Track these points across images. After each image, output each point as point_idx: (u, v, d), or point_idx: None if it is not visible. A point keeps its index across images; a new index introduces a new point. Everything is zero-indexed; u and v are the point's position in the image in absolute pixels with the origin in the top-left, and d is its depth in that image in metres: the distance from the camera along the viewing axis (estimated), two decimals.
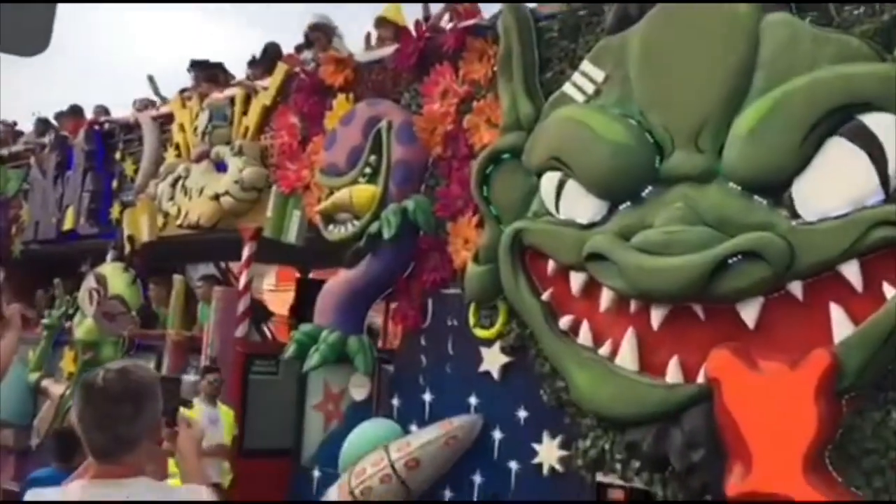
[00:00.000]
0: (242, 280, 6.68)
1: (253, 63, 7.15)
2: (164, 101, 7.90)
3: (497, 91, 4.94)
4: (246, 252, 6.60)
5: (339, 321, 5.50)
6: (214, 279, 7.84)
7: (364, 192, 5.44)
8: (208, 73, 7.32)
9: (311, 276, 9.14)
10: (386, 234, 5.22)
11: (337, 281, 5.69)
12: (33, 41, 2.43)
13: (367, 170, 5.51)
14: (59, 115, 9.21)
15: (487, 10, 5.39)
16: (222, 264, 8.88)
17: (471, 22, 5.19)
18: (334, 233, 5.64)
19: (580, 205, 4.31)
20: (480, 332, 4.89)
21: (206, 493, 2.06)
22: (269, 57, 7.16)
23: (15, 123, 10.68)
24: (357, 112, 5.67)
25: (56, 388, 7.83)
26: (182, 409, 2.47)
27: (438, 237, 5.21)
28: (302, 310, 8.56)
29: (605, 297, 4.21)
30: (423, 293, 5.27)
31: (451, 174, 5.20)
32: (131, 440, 1.93)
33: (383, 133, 5.44)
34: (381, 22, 6.05)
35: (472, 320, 4.94)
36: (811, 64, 3.64)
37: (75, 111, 9.00)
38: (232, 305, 6.51)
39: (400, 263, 5.36)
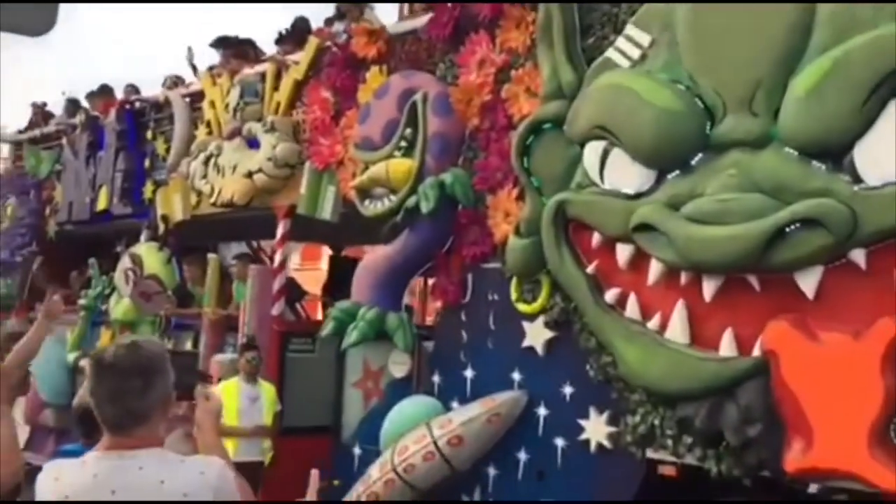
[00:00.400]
0: (277, 258, 6.65)
1: (281, 40, 7.05)
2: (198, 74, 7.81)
3: (536, 59, 4.80)
4: (280, 230, 6.55)
5: (377, 298, 5.42)
6: (248, 257, 7.81)
7: (400, 166, 5.33)
8: (239, 50, 7.24)
9: (343, 253, 9.10)
10: (424, 209, 5.11)
11: (374, 257, 5.61)
12: (39, 20, 2.42)
13: (403, 143, 5.40)
14: (89, 95, 9.19)
15: None
16: (254, 242, 8.87)
17: None
18: (370, 208, 5.55)
19: (626, 174, 4.17)
20: (523, 307, 4.79)
21: (219, 465, 2.06)
22: (299, 32, 7.06)
23: (45, 105, 10.71)
24: (391, 84, 5.55)
25: None
26: (200, 385, 2.44)
27: (478, 210, 5.09)
28: (335, 288, 8.53)
29: (654, 269, 4.08)
30: (462, 268, 5.17)
31: (490, 146, 5.07)
32: (143, 413, 1.99)
33: (419, 105, 5.32)
34: None
35: (514, 295, 4.84)
36: (872, 21, 3.47)
37: (105, 91, 8.97)
38: (268, 284, 6.47)
39: (438, 238, 5.26)
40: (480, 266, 5.10)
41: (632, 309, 4.21)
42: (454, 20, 5.30)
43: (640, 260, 4.16)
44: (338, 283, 8.70)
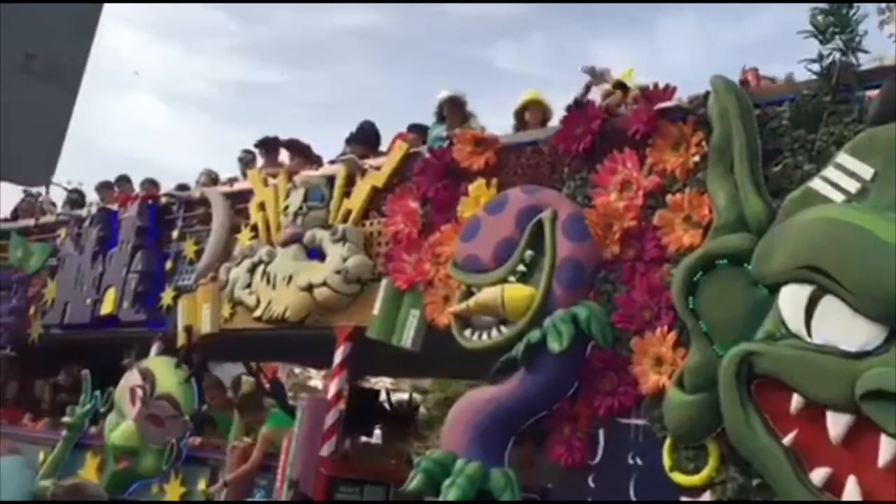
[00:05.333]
0: (333, 388, 5.65)
1: (351, 139, 6.37)
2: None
3: (699, 185, 4.18)
4: (340, 354, 5.61)
5: (477, 449, 4.49)
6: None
7: (520, 293, 4.53)
8: (301, 150, 6.50)
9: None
10: (556, 347, 4.28)
11: (476, 399, 4.68)
12: (38, 170, 1.87)
13: (521, 267, 4.63)
14: (101, 186, 8.27)
15: None
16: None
17: (667, 104, 4.43)
18: (474, 340, 4.70)
19: (845, 327, 3.44)
20: (681, 478, 3.92)
21: None
22: (366, 135, 6.40)
23: (39, 195, 9.76)
24: (509, 199, 4.83)
25: None
26: None
27: (617, 354, 4.30)
28: (352, 425, 7.53)
29: (887, 449, 3.30)
30: (592, 421, 4.31)
31: (635, 279, 4.33)
32: None
33: (546, 225, 4.59)
34: (529, 104, 5.35)
35: (667, 461, 3.98)
36: None
37: (123, 181, 8.07)
38: (321, 417, 5.47)
39: (563, 383, 4.40)
40: (617, 420, 4.25)
41: (853, 496, 3.39)
42: (591, 134, 4.66)
43: (862, 434, 3.38)
44: (354, 419, 7.71)
